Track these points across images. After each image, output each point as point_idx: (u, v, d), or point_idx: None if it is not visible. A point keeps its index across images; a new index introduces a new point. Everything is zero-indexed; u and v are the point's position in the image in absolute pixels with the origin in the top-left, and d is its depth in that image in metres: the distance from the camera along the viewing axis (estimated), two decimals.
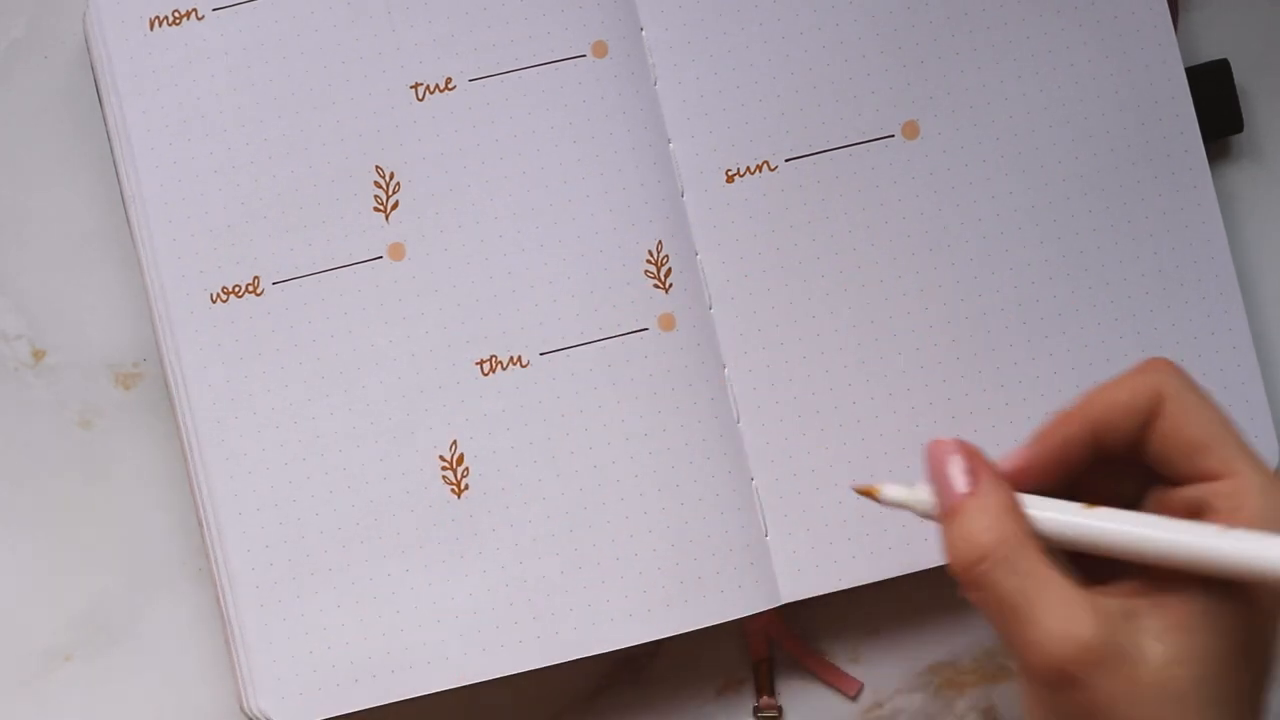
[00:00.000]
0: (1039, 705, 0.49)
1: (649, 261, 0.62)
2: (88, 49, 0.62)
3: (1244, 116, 0.65)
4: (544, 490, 0.61)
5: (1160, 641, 0.48)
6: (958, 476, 0.51)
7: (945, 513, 0.51)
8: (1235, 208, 0.65)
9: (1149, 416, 0.50)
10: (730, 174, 0.62)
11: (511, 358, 0.62)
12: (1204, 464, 0.49)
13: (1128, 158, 0.62)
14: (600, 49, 0.62)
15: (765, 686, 0.63)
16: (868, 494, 0.53)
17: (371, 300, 0.61)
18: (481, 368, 0.62)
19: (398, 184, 0.62)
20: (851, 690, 0.64)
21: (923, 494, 0.52)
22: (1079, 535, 0.49)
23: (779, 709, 0.64)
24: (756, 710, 0.64)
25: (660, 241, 0.62)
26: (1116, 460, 0.51)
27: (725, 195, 0.62)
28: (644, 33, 0.62)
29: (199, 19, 0.62)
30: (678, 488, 0.61)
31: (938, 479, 0.51)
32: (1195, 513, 0.49)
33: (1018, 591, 0.49)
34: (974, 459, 0.51)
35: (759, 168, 0.62)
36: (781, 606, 0.62)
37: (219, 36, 0.61)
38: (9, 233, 0.64)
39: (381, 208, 0.62)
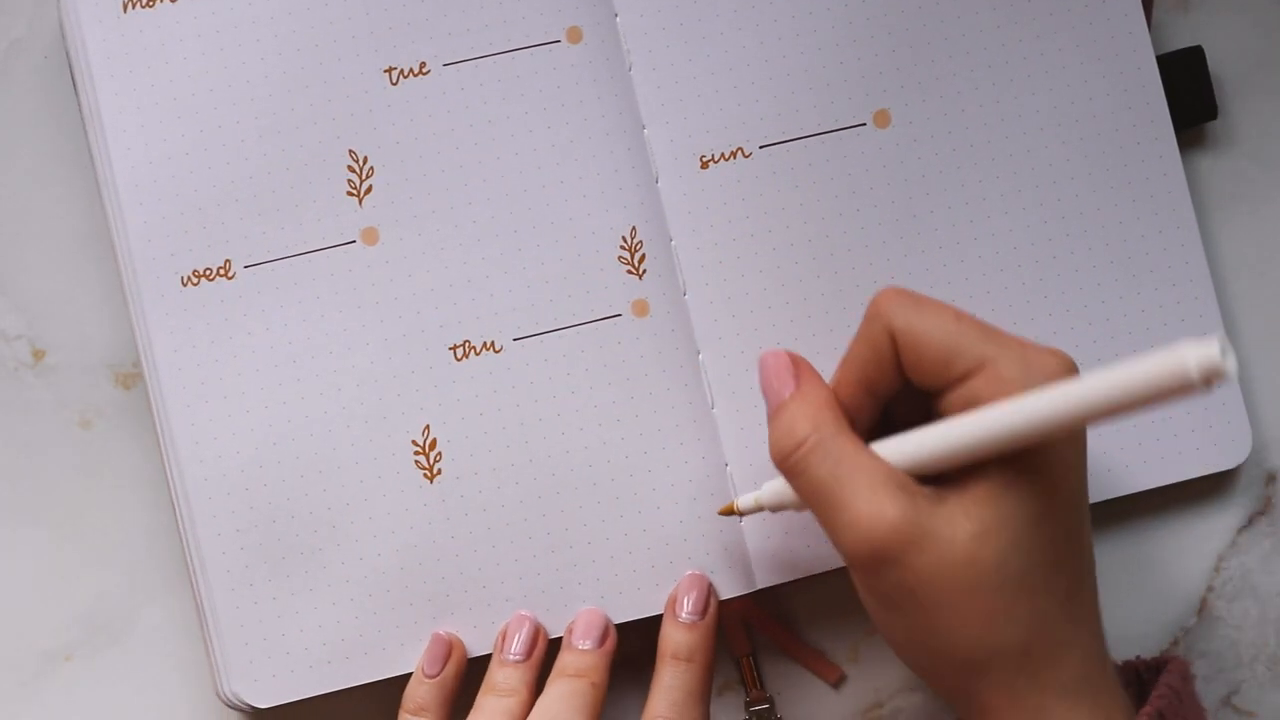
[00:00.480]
0: (863, 590, 0.53)
1: (623, 247, 0.62)
2: (62, 34, 0.62)
3: (1219, 104, 0.65)
4: (517, 475, 0.61)
5: (967, 518, 0.51)
6: (784, 379, 0.56)
7: (771, 414, 0.55)
8: (1210, 194, 0.65)
9: (893, 356, 0.54)
10: (704, 160, 0.62)
11: (485, 343, 0.62)
12: (956, 371, 0.52)
13: (1099, 145, 0.63)
14: (575, 35, 0.62)
15: (752, 680, 0.63)
16: (729, 512, 0.60)
17: (344, 285, 0.61)
18: (455, 353, 0.61)
19: (371, 168, 0.62)
20: (833, 678, 0.64)
21: (768, 489, 0.58)
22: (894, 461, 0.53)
23: (770, 700, 0.64)
24: (748, 704, 0.64)
25: (634, 228, 0.62)
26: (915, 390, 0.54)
27: (699, 182, 0.62)
28: (618, 19, 0.62)
29: (172, 2, 0.61)
30: (650, 473, 0.61)
31: (766, 386, 0.57)
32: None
33: (831, 477, 0.53)
34: (798, 364, 0.56)
35: (733, 154, 0.62)
36: (761, 595, 0.62)
37: (192, 19, 0.61)
38: (9, 232, 0.64)
39: (355, 192, 0.62)
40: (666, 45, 0.62)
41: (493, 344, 0.62)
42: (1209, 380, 0.45)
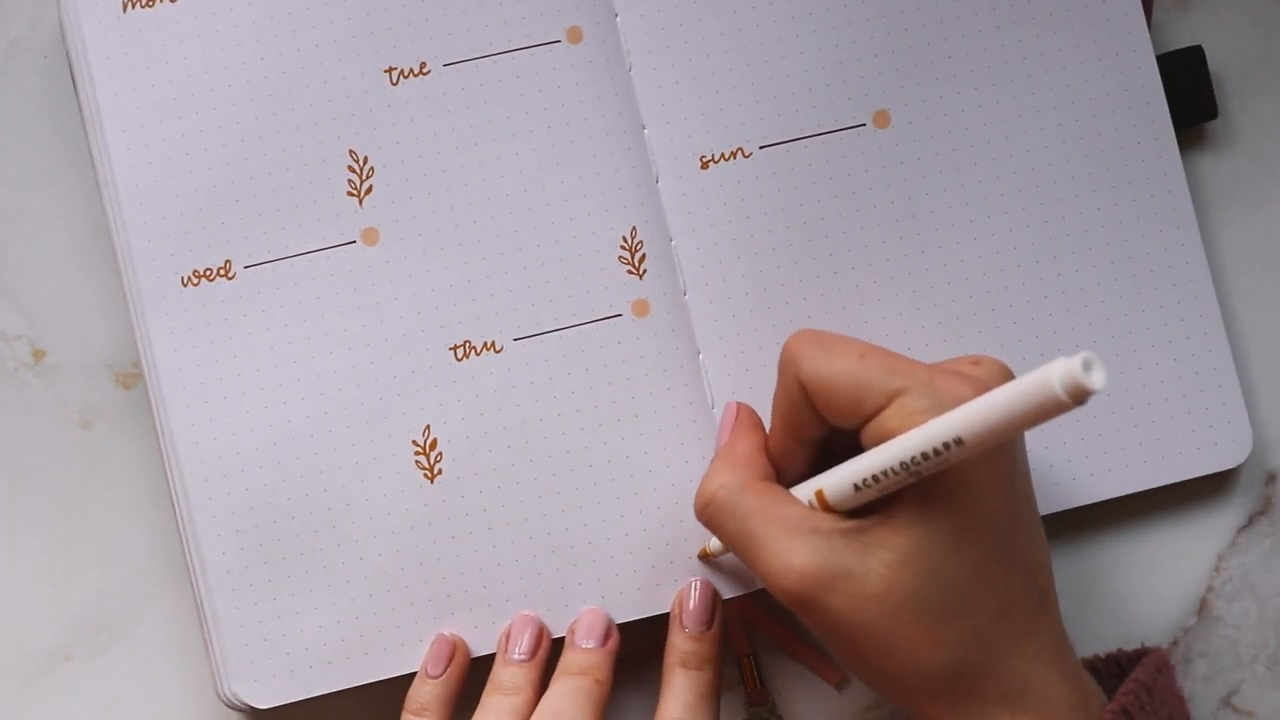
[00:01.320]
0: (805, 623, 0.55)
1: (623, 248, 0.62)
2: (62, 34, 0.62)
3: (1219, 104, 0.65)
4: (517, 475, 0.61)
5: (884, 548, 0.52)
6: (722, 435, 0.60)
7: None
8: (1210, 194, 0.65)
9: (808, 403, 0.55)
10: (704, 160, 0.62)
11: (485, 343, 0.62)
12: (868, 409, 0.53)
13: (1099, 146, 0.63)
14: (575, 35, 0.62)
15: (752, 680, 0.63)
16: (704, 556, 0.61)
17: (344, 285, 0.61)
18: (455, 353, 0.61)
19: (371, 168, 0.62)
20: (834, 678, 0.64)
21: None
22: (819, 505, 0.54)
23: (770, 700, 0.64)
24: (749, 704, 0.64)
25: (634, 228, 0.62)
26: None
27: (699, 182, 0.62)
28: (619, 19, 0.62)
29: (172, 2, 0.61)
30: (650, 473, 0.61)
31: (718, 438, 0.60)
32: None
33: (739, 531, 0.55)
34: (738, 417, 0.59)
35: (733, 154, 0.62)
36: (761, 595, 0.62)
37: (192, 19, 0.61)
38: (9, 233, 0.64)
39: (355, 192, 0.62)
40: (666, 45, 0.62)
41: (493, 344, 0.62)
42: (1076, 397, 0.45)
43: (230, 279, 0.61)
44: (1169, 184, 0.63)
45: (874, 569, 0.52)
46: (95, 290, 0.64)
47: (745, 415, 0.59)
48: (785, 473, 0.57)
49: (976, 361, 0.55)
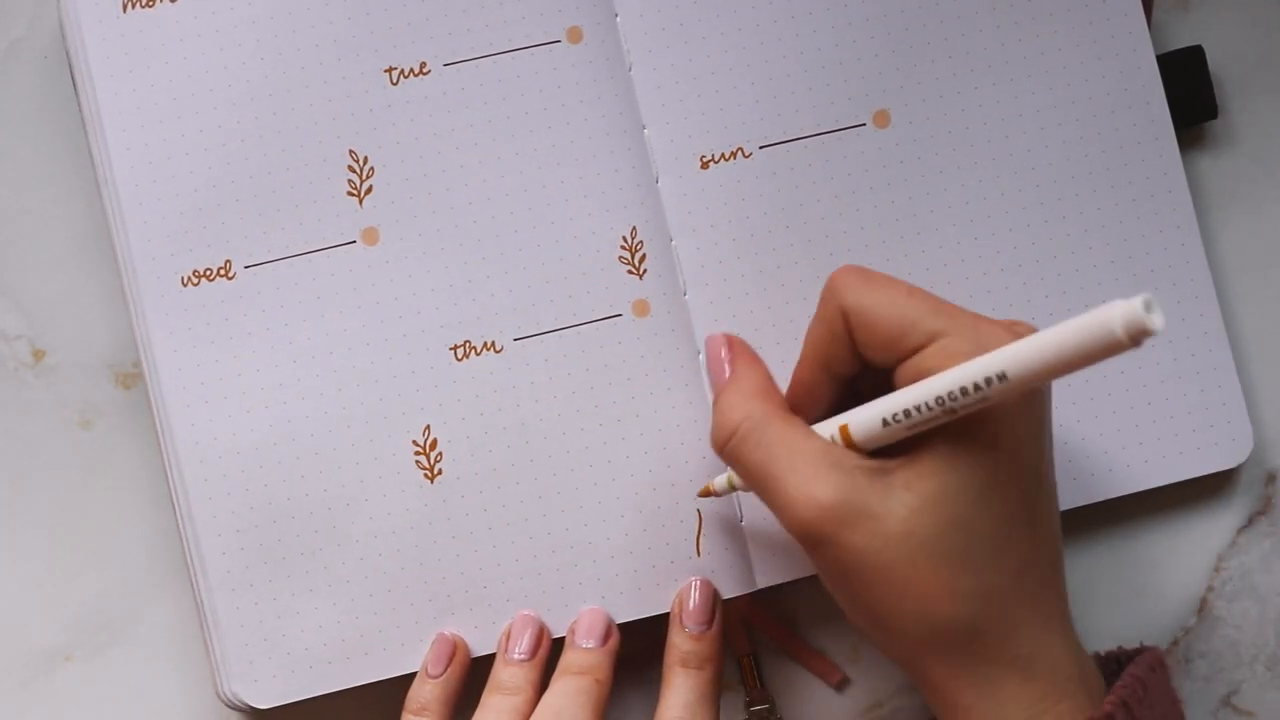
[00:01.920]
0: (813, 563, 0.54)
1: (623, 248, 0.62)
2: (62, 34, 0.62)
3: (1219, 104, 0.65)
4: (517, 475, 0.61)
5: (908, 490, 0.52)
6: (719, 365, 0.58)
7: (713, 401, 0.58)
8: (1210, 194, 0.65)
9: (847, 334, 0.54)
10: (704, 160, 0.62)
11: (485, 343, 0.62)
12: (908, 346, 0.53)
13: (1099, 145, 0.63)
14: (575, 35, 0.62)
15: (752, 680, 0.63)
16: (707, 494, 0.60)
17: (345, 285, 0.61)
18: (455, 353, 0.61)
19: (371, 168, 0.62)
20: (834, 679, 0.64)
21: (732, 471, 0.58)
22: (843, 441, 0.54)
23: (770, 700, 0.64)
24: (748, 704, 0.64)
25: (634, 228, 0.62)
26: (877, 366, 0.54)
27: (699, 181, 0.62)
28: (618, 19, 0.62)
29: (172, 2, 0.61)
30: (651, 473, 0.61)
31: (710, 372, 0.59)
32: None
33: (764, 461, 0.54)
34: (734, 348, 0.58)
35: (733, 154, 0.62)
36: (762, 595, 0.62)
37: (192, 19, 0.61)
38: (9, 233, 0.64)
39: (355, 192, 0.62)
40: (666, 45, 0.62)
41: (493, 344, 0.62)
42: (1135, 338, 0.45)
43: (230, 279, 0.61)
44: (1169, 184, 0.63)
45: (895, 510, 0.51)
46: (95, 290, 0.64)
47: (740, 345, 0.59)
48: (808, 408, 0.56)
49: (1014, 324, 0.53)
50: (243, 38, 0.61)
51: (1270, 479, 0.65)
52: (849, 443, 0.53)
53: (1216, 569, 0.65)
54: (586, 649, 0.60)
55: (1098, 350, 0.46)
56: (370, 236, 0.61)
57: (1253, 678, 0.65)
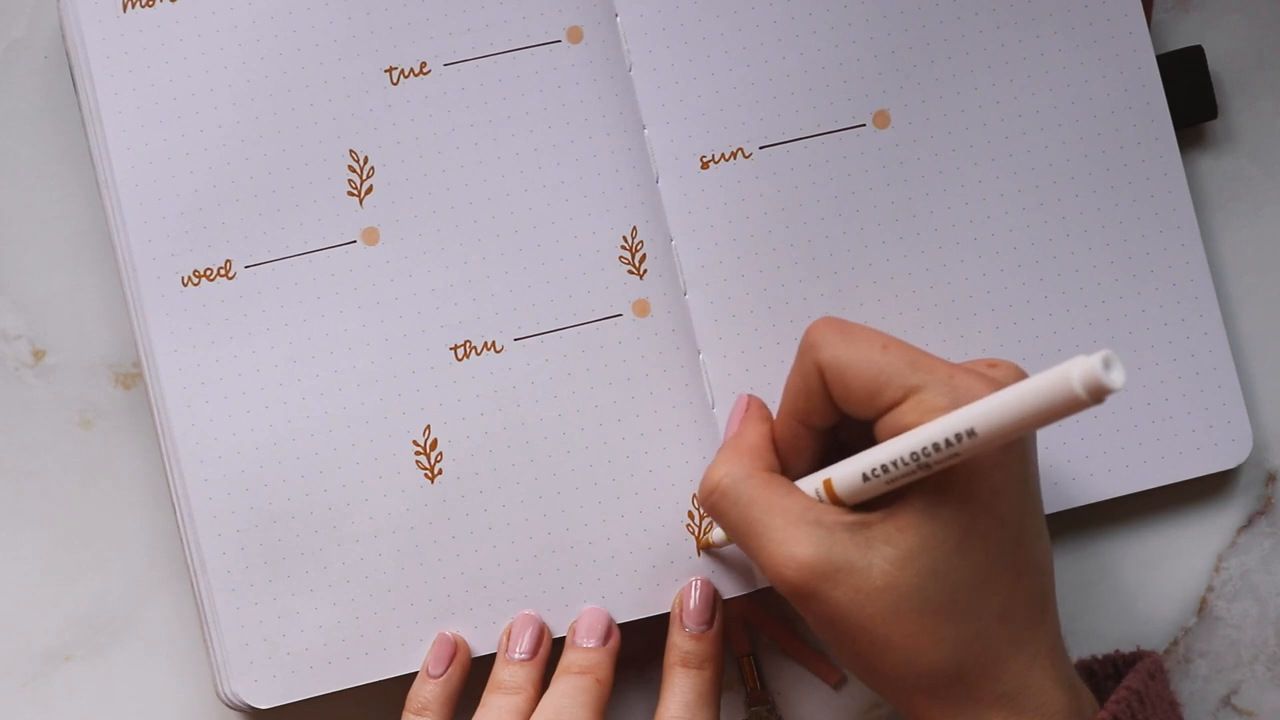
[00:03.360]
0: (804, 616, 0.55)
1: (623, 247, 0.62)
2: (62, 34, 0.62)
3: (1219, 103, 0.65)
4: (518, 475, 0.61)
5: (888, 544, 0.52)
6: (730, 427, 0.59)
7: None
8: (1210, 194, 0.65)
9: (824, 388, 0.54)
10: (705, 161, 0.62)
11: (485, 343, 0.62)
12: (884, 401, 0.53)
13: (1099, 145, 0.63)
14: (575, 34, 0.62)
15: (752, 680, 0.63)
16: (706, 547, 0.61)
17: (345, 285, 0.61)
18: (455, 353, 0.61)
19: (371, 168, 0.62)
20: (832, 679, 0.64)
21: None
22: (823, 497, 0.54)
23: (770, 700, 0.64)
24: (748, 704, 0.64)
25: (635, 228, 0.62)
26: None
27: (700, 182, 0.62)
28: (619, 19, 0.62)
29: (172, 1, 0.61)
30: (651, 473, 0.61)
31: (725, 430, 0.60)
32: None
33: (743, 520, 0.55)
34: (748, 408, 0.59)
35: (733, 155, 0.62)
36: (762, 595, 0.62)
37: (192, 19, 0.61)
38: (9, 233, 0.64)
39: (355, 192, 0.62)
40: (667, 45, 0.62)
41: (493, 344, 0.62)
42: (1095, 396, 0.45)
43: (230, 279, 0.61)
44: (1169, 184, 0.63)
45: (876, 564, 0.52)
46: (95, 290, 0.64)
47: (755, 407, 0.59)
48: (791, 462, 0.57)
49: (993, 364, 0.54)
50: (243, 38, 0.61)
51: (1270, 479, 0.65)
52: (833, 497, 0.54)
53: (1216, 569, 0.65)
54: (587, 648, 0.60)
55: (1060, 407, 0.47)
56: (370, 236, 0.61)
57: (1253, 678, 0.65)
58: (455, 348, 0.61)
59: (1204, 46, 0.65)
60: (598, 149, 0.62)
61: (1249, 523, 0.65)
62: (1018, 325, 0.62)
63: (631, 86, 0.62)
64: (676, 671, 0.60)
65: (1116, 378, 0.45)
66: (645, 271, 0.62)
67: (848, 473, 0.53)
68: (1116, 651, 0.60)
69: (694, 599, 0.60)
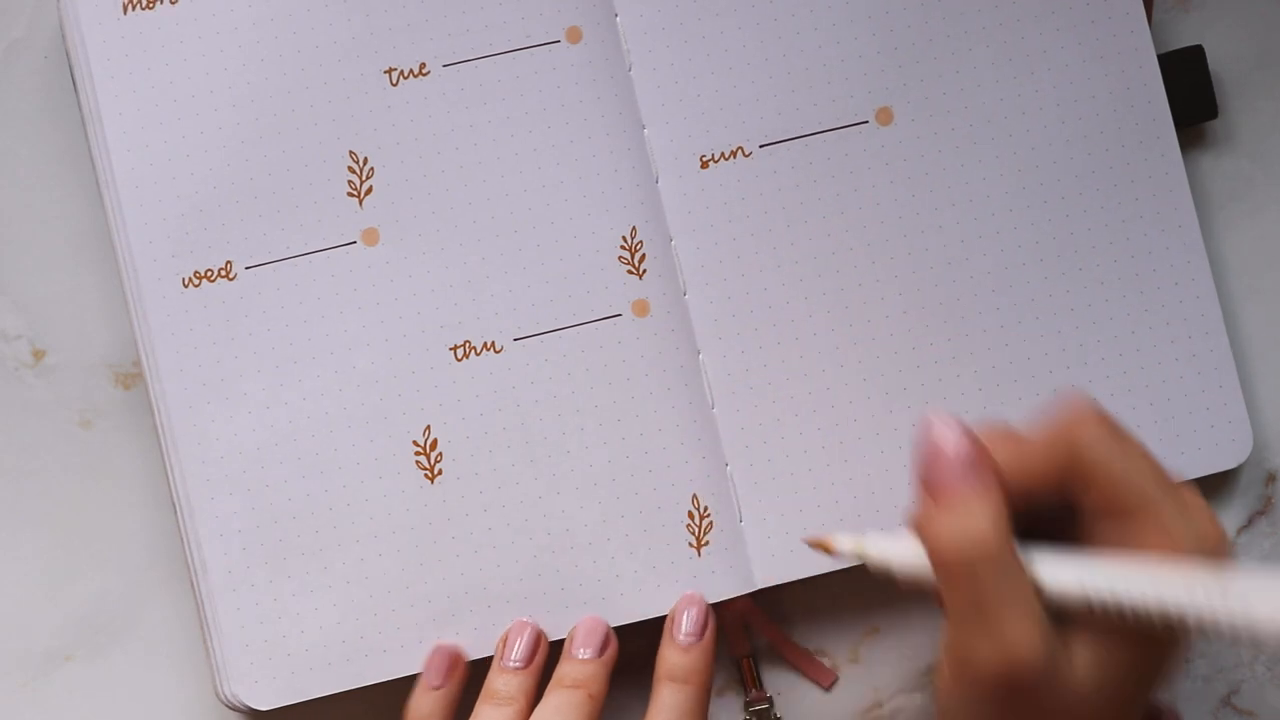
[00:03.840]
0: (961, 704, 0.51)
1: (623, 247, 0.62)
2: (62, 35, 0.62)
3: (1219, 103, 0.65)
4: (517, 475, 0.61)
5: (1090, 668, 0.50)
6: (962, 464, 0.51)
7: (939, 493, 0.51)
8: (1210, 194, 0.65)
9: (1065, 474, 0.51)
10: (704, 160, 0.62)
11: (485, 343, 0.62)
12: (1122, 506, 0.50)
13: (1100, 144, 0.62)
14: (574, 35, 0.62)
15: (751, 680, 0.63)
16: (818, 547, 0.56)
17: (345, 285, 0.61)
18: (455, 353, 0.61)
19: (371, 169, 0.62)
20: (826, 681, 0.64)
21: (890, 550, 0.53)
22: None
23: (769, 700, 0.64)
24: (747, 705, 0.64)
25: (634, 228, 0.62)
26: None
27: (700, 181, 0.62)
28: (618, 18, 0.62)
29: (172, 3, 0.61)
30: (651, 473, 0.61)
31: (935, 456, 0.52)
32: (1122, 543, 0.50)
33: (994, 590, 0.49)
34: (982, 451, 0.52)
35: (733, 154, 0.62)
36: (762, 595, 0.62)
37: (192, 20, 0.61)
38: (9, 233, 0.64)
39: (355, 193, 0.62)
40: (666, 45, 0.62)
41: (493, 344, 0.62)
42: None
43: (231, 280, 0.61)
44: (1170, 184, 0.62)
45: (1078, 683, 0.50)
46: (95, 290, 0.64)
47: (989, 459, 0.52)
48: None
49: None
50: (242, 39, 0.61)
51: (1270, 479, 0.65)
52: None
53: None
54: (583, 660, 0.60)
55: None
56: (370, 237, 0.61)
57: (1253, 678, 0.65)
58: (455, 348, 0.61)
59: (1204, 46, 0.64)
60: (597, 149, 0.62)
61: (1249, 523, 0.65)
62: (1023, 324, 0.62)
63: (631, 86, 0.62)
64: (663, 685, 0.60)
65: None
66: (645, 271, 0.62)
67: (1079, 577, 0.50)
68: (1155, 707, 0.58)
69: (684, 607, 0.60)
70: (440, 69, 0.62)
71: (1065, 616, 0.50)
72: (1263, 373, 0.65)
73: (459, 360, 0.61)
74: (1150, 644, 0.50)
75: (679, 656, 0.60)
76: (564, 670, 0.60)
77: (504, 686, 0.59)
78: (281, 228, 0.61)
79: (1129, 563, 0.49)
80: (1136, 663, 0.50)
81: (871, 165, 0.62)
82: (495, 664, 0.60)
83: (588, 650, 0.60)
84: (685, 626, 0.60)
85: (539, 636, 0.60)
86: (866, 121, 0.62)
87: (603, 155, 0.62)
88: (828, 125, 0.62)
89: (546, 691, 0.59)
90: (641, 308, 0.62)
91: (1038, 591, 0.50)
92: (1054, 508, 0.52)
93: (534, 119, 0.62)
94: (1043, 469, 0.51)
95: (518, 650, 0.60)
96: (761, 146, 0.62)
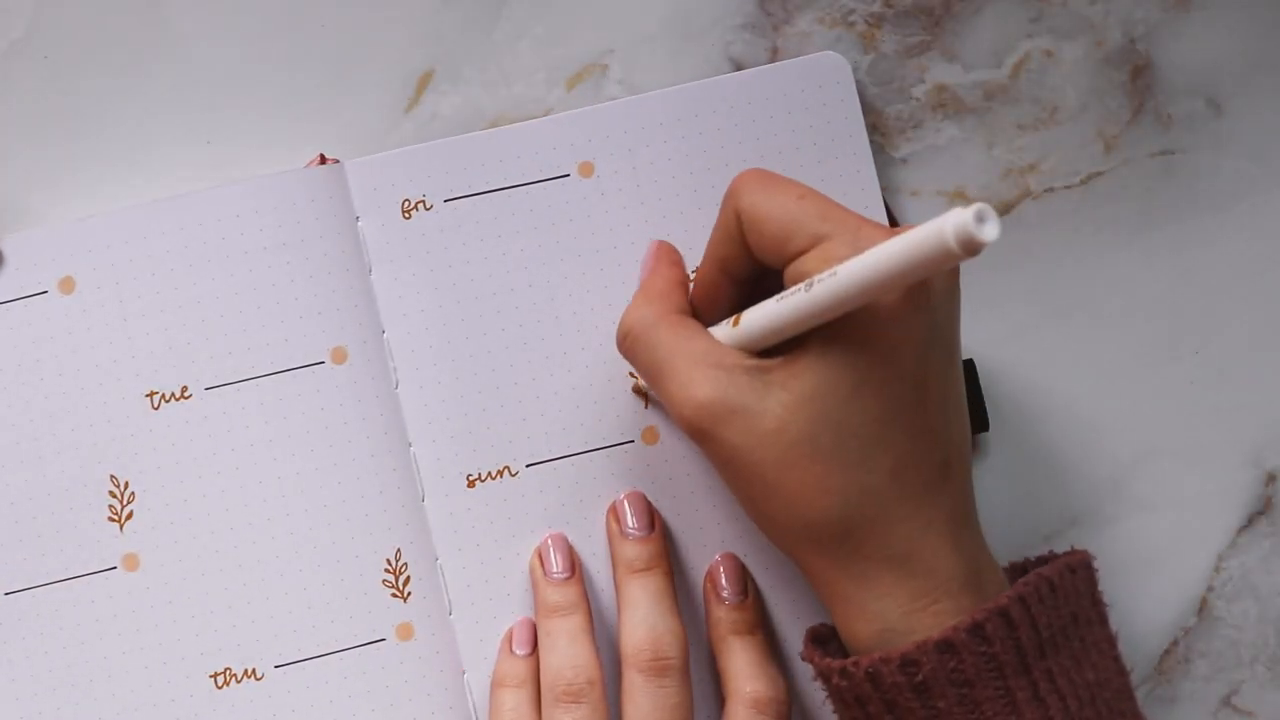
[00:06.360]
0: (706, 459, 0.57)
1: (387, 570, 0.62)
2: None
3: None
4: None
5: (784, 389, 0.53)
6: (644, 272, 0.61)
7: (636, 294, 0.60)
8: (1210, 194, 0.66)
9: (741, 235, 0.56)
10: (471, 479, 0.62)
11: (246, 670, 0.61)
12: (793, 249, 0.54)
13: None
14: (339, 355, 0.62)
15: None
16: (638, 391, 0.63)
17: (105, 612, 0.61)
18: (215, 680, 0.61)
19: (132, 494, 0.61)
20: None
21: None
22: (735, 341, 0.56)
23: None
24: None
25: (399, 549, 0.62)
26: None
27: (466, 500, 0.62)
28: (385, 335, 0.62)
29: None
30: None
31: (640, 276, 0.62)
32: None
33: (650, 361, 0.57)
34: (657, 255, 0.61)
35: (500, 473, 0.62)
36: None
37: None
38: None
39: (116, 518, 0.61)
40: (434, 363, 0.62)
41: (254, 671, 0.61)
42: (967, 249, 0.46)
43: None
44: None
45: (770, 408, 0.54)
46: None
47: (666, 251, 0.61)
48: (710, 312, 0.58)
49: (906, 228, 0.54)
50: (3, 363, 0.61)
51: (1270, 479, 0.65)
52: (741, 341, 0.55)
53: (1216, 569, 0.65)
54: (640, 539, 0.61)
55: (932, 259, 0.47)
56: (131, 563, 0.61)
57: (1253, 678, 0.65)
58: (215, 675, 0.61)
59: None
60: (362, 470, 0.62)
61: (1249, 523, 0.65)
62: None
63: (398, 404, 0.62)
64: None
65: (990, 231, 0.46)
66: (409, 595, 0.62)
67: (751, 312, 0.55)
68: (1050, 551, 0.59)
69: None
70: (203, 392, 0.62)
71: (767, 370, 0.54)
72: (1263, 373, 0.65)
73: (219, 688, 0.61)
74: (831, 352, 0.53)
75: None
76: (627, 554, 0.61)
77: (561, 597, 0.60)
78: (41, 553, 0.61)
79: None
80: (825, 373, 0.53)
81: (639, 482, 0.62)
82: (542, 582, 0.61)
83: (638, 527, 0.61)
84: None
85: (569, 545, 0.61)
86: (633, 441, 0.63)
87: (367, 476, 0.62)
88: (594, 445, 0.62)
89: (619, 580, 0.61)
90: (406, 631, 0.62)
91: (718, 348, 0.55)
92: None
93: (298, 441, 0.62)
94: (725, 237, 0.57)
95: (557, 563, 0.61)
96: (528, 466, 0.62)
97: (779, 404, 0.53)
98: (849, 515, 0.54)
